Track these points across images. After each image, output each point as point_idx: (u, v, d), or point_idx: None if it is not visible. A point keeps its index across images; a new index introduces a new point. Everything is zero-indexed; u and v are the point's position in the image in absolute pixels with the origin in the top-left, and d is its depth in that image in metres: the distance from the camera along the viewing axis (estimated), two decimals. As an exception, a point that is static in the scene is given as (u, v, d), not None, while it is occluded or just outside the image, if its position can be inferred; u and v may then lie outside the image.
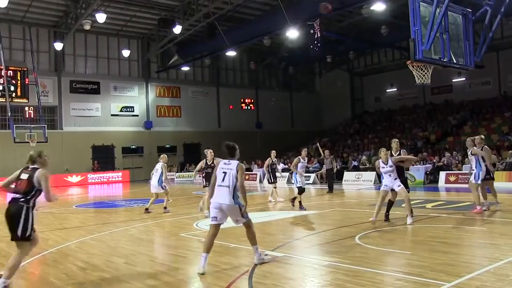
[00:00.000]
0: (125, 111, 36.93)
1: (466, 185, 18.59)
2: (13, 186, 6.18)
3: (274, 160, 16.09)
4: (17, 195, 6.02)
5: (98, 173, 34.17)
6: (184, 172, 36.22)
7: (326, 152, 20.42)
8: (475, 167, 11.01)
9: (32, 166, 6.17)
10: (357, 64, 43.76)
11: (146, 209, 13.80)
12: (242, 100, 43.26)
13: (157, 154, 37.73)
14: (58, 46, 31.62)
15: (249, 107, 43.72)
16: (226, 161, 6.89)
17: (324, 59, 38.73)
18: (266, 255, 7.22)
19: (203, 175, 13.27)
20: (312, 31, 25.73)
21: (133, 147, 36.93)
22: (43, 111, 31.77)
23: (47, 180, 6.02)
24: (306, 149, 14.70)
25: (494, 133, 28.02)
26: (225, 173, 6.74)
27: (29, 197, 6.03)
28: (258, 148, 36.14)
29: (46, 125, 30.92)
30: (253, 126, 42.82)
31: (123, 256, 7.96)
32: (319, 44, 25.89)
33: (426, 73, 10.45)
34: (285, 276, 6.27)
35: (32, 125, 30.33)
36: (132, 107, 37.38)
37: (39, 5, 30.10)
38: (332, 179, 19.53)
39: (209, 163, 12.93)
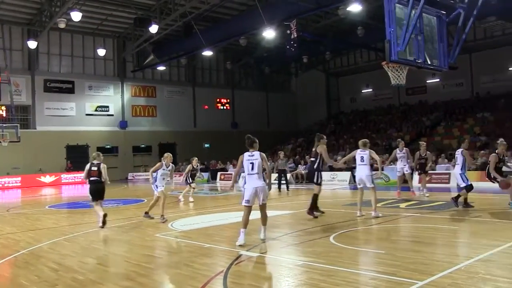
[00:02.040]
0: (100, 111, 36.51)
1: (440, 185, 19.35)
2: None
3: (195, 166, 16.94)
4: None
5: (72, 173, 33.63)
6: (159, 172, 35.86)
7: (281, 153, 21.11)
8: (407, 162, 15.38)
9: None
10: (333, 64, 43.99)
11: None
12: (218, 100, 43.14)
13: (132, 154, 37.61)
14: (32, 44, 30.99)
15: (224, 107, 43.66)
16: (249, 153, 8.31)
17: (300, 59, 38.90)
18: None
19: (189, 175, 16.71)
20: (288, 32, 25.85)
21: (108, 146, 36.46)
22: (16, 110, 31.24)
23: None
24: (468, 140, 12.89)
25: (466, 133, 28.41)
26: (252, 163, 8.18)
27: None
28: (234, 148, 35.99)
29: (18, 125, 30.40)
30: (229, 126, 42.76)
31: (97, 257, 7.87)
32: (295, 45, 26.02)
33: (401, 74, 10.58)
34: (260, 276, 6.27)
35: (4, 124, 29.70)
36: (107, 106, 36.98)
37: (12, 2, 29.44)
38: (281, 180, 20.23)
39: (194, 167, 16.75)
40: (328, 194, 16.37)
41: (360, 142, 11.34)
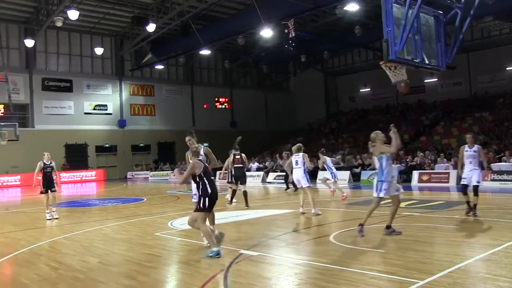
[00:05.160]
0: (98, 110, 36.52)
1: (440, 185, 19.37)
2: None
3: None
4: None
5: (72, 172, 33.63)
6: (158, 171, 35.94)
7: (286, 153, 19.27)
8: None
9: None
10: (331, 63, 43.96)
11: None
12: (216, 99, 43.17)
13: (131, 153, 37.48)
14: (29, 43, 30.88)
15: (223, 106, 43.60)
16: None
17: (298, 58, 38.82)
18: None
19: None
20: (286, 31, 25.83)
21: (107, 145, 36.65)
22: (14, 108, 31.42)
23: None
24: None
25: (466, 132, 28.49)
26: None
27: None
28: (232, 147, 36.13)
29: (17, 123, 30.70)
30: (228, 125, 42.73)
31: (97, 255, 7.84)
32: (293, 44, 26.05)
33: (398, 73, 10.54)
34: (260, 275, 6.27)
35: (2, 123, 29.90)
36: (106, 105, 36.98)
37: (9, 0, 29.38)
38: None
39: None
40: (328, 193, 16.34)
41: (293, 148, 12.37)
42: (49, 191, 12.87)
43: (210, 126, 40.59)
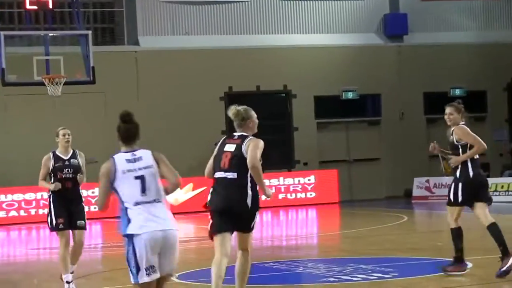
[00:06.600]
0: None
1: None
2: None
3: None
4: None
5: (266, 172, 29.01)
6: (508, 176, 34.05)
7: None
8: None
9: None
10: None
11: None
12: None
13: (424, 117, 36.38)
14: None
15: None
16: None
17: None
18: None
19: None
20: None
21: (351, 96, 34.28)
22: None
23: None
24: None
25: None
26: None
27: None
28: None
29: (89, 33, 28.81)
30: None
31: None
32: None
33: None
34: None
35: (56, 33, 29.48)
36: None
37: None
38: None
39: None
40: None
41: None
42: (64, 226, 12.05)
43: None
